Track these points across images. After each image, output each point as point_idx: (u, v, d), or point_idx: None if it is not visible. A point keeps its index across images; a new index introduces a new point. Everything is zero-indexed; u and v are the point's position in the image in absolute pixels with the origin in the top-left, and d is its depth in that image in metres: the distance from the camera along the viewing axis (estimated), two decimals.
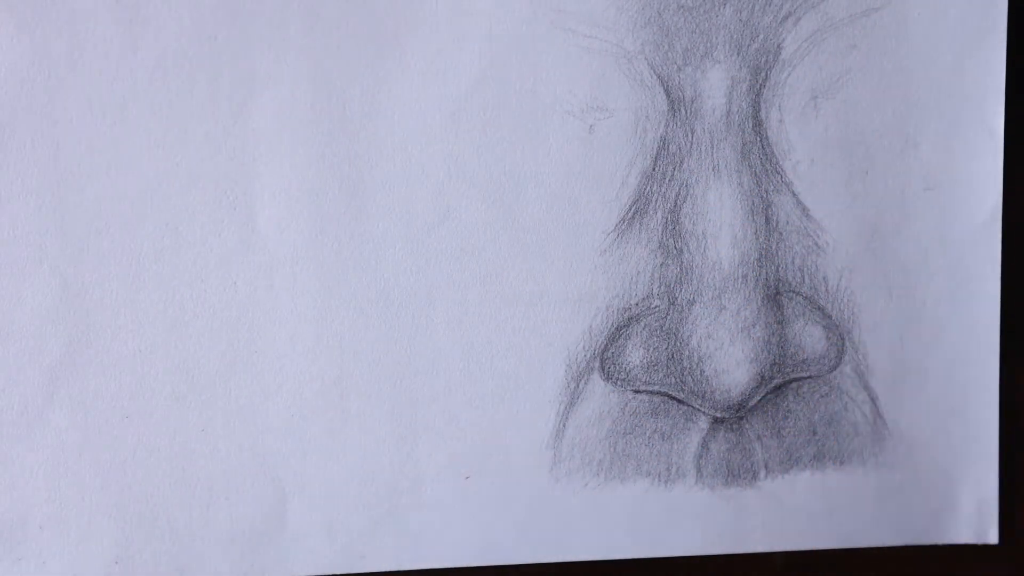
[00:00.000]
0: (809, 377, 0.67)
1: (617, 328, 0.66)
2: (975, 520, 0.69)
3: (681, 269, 0.65)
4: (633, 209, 0.65)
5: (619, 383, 0.66)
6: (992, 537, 0.69)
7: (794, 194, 0.65)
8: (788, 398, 0.67)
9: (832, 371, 0.67)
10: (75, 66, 0.61)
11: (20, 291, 0.62)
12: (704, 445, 0.67)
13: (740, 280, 0.66)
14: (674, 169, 0.64)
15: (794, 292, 0.66)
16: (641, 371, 0.66)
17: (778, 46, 0.64)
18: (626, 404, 0.66)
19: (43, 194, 0.62)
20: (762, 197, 0.65)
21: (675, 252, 0.65)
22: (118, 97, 0.61)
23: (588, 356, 0.66)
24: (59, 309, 0.62)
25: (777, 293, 0.66)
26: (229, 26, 0.61)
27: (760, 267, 0.66)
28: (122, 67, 0.61)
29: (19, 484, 0.64)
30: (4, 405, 0.63)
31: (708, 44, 0.63)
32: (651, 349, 0.66)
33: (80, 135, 0.61)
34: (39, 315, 0.62)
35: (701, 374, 0.66)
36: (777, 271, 0.66)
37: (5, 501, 0.64)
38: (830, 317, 0.67)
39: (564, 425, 0.66)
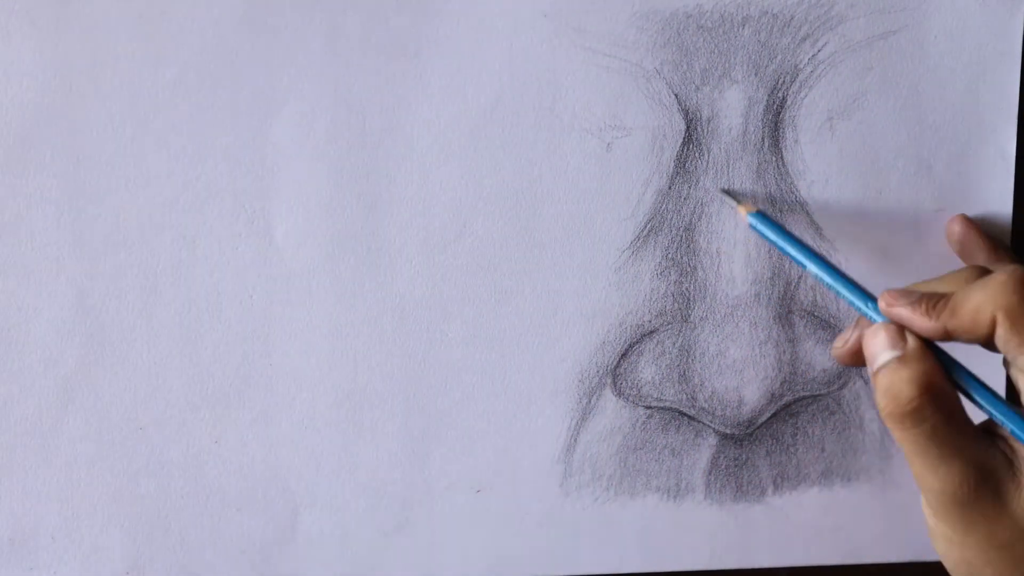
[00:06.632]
0: (819, 395, 0.67)
1: (630, 344, 0.66)
2: None
3: (694, 287, 0.66)
4: (648, 227, 0.65)
5: (630, 399, 0.66)
6: None
7: (808, 214, 0.65)
8: (797, 416, 0.68)
9: (841, 389, 0.68)
10: (96, 80, 0.61)
11: (36, 302, 0.62)
12: (713, 461, 0.67)
13: (752, 298, 0.66)
14: (690, 188, 0.65)
15: (805, 311, 0.67)
16: (652, 387, 0.66)
17: (795, 67, 0.64)
18: (637, 420, 0.67)
19: (62, 206, 0.61)
20: (776, 216, 0.65)
21: (689, 270, 0.65)
22: (138, 111, 0.61)
23: (600, 372, 0.66)
24: (75, 320, 0.62)
25: (789, 312, 0.66)
26: (251, 42, 0.61)
27: (772, 286, 0.66)
28: (143, 82, 0.61)
29: (32, 494, 0.64)
30: (19, 415, 0.63)
31: (726, 64, 0.64)
32: (663, 365, 0.66)
33: (100, 148, 0.61)
34: (55, 326, 0.62)
35: (712, 391, 0.67)
36: (789, 290, 0.66)
37: (18, 511, 0.64)
38: None
39: (575, 440, 0.66)
